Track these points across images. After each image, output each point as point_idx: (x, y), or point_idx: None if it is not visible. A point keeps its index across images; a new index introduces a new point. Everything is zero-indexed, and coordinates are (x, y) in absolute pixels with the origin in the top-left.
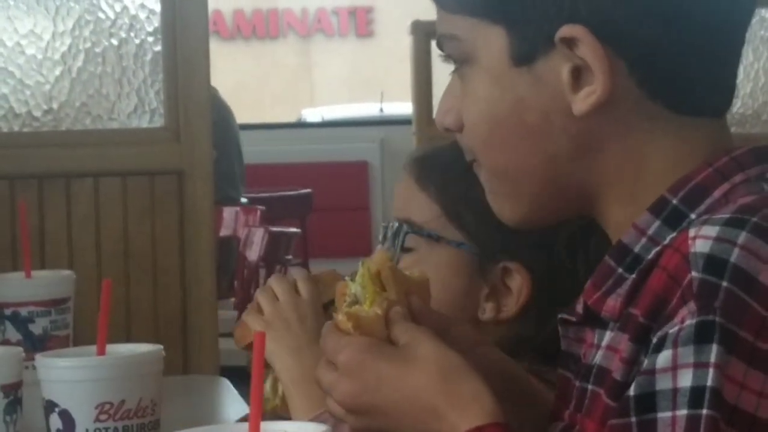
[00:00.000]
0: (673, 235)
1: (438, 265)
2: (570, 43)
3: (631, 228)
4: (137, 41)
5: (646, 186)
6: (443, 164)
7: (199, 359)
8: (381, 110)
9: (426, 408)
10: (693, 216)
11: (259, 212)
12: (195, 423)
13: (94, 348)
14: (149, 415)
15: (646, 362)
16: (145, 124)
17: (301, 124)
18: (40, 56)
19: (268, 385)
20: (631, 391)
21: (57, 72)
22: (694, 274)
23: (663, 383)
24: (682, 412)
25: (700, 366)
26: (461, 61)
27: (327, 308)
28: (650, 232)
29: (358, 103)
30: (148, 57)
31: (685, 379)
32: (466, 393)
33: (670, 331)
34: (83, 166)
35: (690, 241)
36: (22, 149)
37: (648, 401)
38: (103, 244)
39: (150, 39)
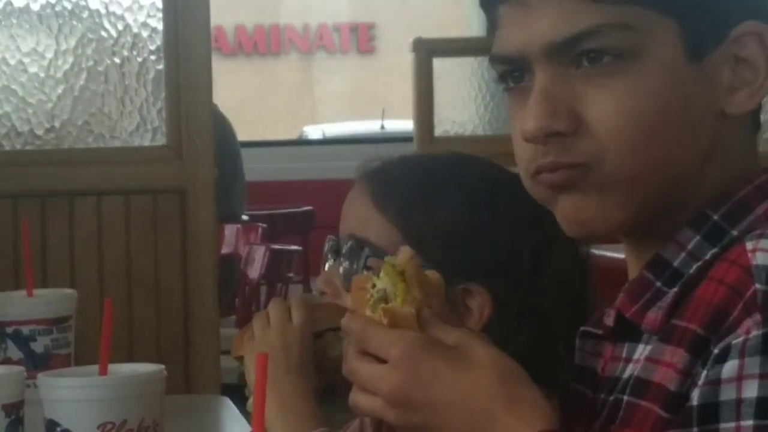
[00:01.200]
0: (715, 250)
1: None
2: (738, 41)
3: (671, 242)
4: (139, 60)
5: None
6: (402, 184)
7: (201, 378)
8: (382, 127)
9: (480, 410)
10: (735, 233)
11: (260, 229)
12: None
13: (96, 368)
14: None
15: (709, 372)
16: (147, 143)
17: (302, 142)
18: (42, 74)
19: (249, 403)
20: (694, 401)
21: (59, 90)
22: (758, 286)
23: (727, 394)
24: (748, 423)
25: (766, 377)
26: (620, 52)
27: (320, 336)
28: (690, 247)
29: (360, 120)
30: (151, 75)
31: (750, 390)
32: (525, 398)
33: (734, 341)
34: (86, 184)
35: (750, 255)
36: (24, 167)
37: (711, 411)
38: (105, 262)
39: (152, 57)
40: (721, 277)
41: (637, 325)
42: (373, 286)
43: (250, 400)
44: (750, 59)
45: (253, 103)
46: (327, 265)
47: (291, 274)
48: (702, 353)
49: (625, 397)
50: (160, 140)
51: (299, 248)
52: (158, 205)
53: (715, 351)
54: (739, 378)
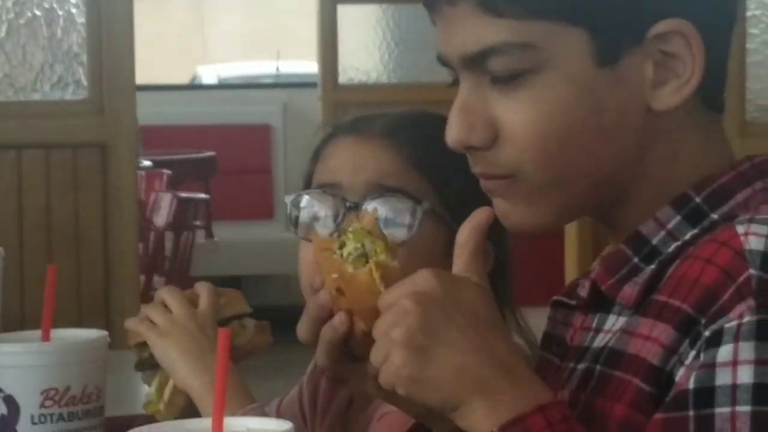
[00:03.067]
0: (695, 231)
1: (425, 239)
2: (661, 38)
3: (651, 220)
4: (61, 13)
5: (675, 181)
6: (434, 144)
7: (121, 332)
8: (277, 69)
9: (502, 364)
10: (715, 216)
11: (165, 176)
12: (118, 400)
13: (38, 333)
14: (94, 401)
15: (703, 356)
16: (68, 97)
17: (202, 86)
18: None
19: (153, 389)
20: (690, 385)
21: None
22: (752, 271)
23: (722, 378)
24: (745, 408)
25: (762, 363)
26: (520, 71)
27: (224, 325)
28: (670, 226)
29: (253, 61)
30: (72, 29)
31: (746, 376)
32: (533, 378)
33: (727, 325)
34: (6, 137)
35: (742, 238)
36: None
37: (707, 395)
38: (25, 217)
39: (74, 11)
40: (709, 257)
41: (612, 298)
42: (341, 246)
43: (149, 390)
44: (676, 55)
45: (142, 43)
46: (339, 222)
47: (197, 222)
48: (690, 332)
49: (598, 367)
50: (82, 94)
51: (206, 196)
52: (79, 160)
53: (706, 333)
54: (735, 363)
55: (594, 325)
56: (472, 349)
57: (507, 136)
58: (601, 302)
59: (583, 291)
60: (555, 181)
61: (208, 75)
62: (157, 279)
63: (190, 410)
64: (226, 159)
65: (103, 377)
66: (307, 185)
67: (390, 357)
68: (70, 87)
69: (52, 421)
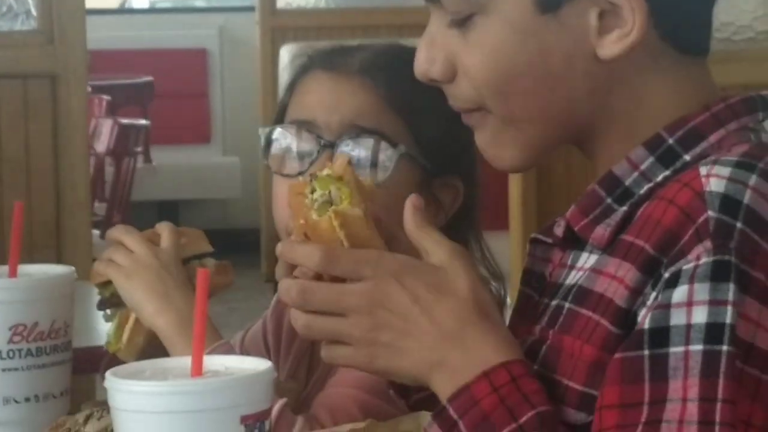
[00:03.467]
0: (667, 173)
1: (399, 180)
2: None
3: (624, 161)
4: None
5: (645, 123)
6: (410, 83)
7: (73, 262)
8: None
9: (452, 335)
10: (687, 157)
11: (105, 102)
12: (77, 331)
13: (4, 269)
14: (62, 336)
15: (660, 297)
16: (17, 27)
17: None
18: None
19: (111, 329)
20: (645, 325)
21: None
22: (710, 213)
23: (677, 318)
24: (697, 348)
25: (716, 303)
26: (468, 11)
27: (186, 263)
28: (643, 167)
29: None
30: None
31: (700, 315)
32: (500, 332)
33: (685, 267)
34: None
35: (703, 179)
36: None
37: (661, 335)
38: None
39: None
40: (672, 197)
41: (584, 238)
42: (312, 191)
43: (110, 329)
44: (616, 3)
45: None
46: (311, 159)
47: (138, 149)
48: (653, 273)
49: (567, 304)
50: (31, 24)
51: (147, 122)
52: (29, 90)
53: (666, 275)
54: (689, 303)
55: (569, 262)
56: (420, 332)
57: (463, 73)
58: (576, 240)
59: (559, 230)
60: (512, 117)
61: None
62: (98, 205)
63: (150, 349)
64: (162, 83)
65: (70, 313)
66: (281, 116)
67: (343, 347)
68: (20, 17)
69: (20, 357)
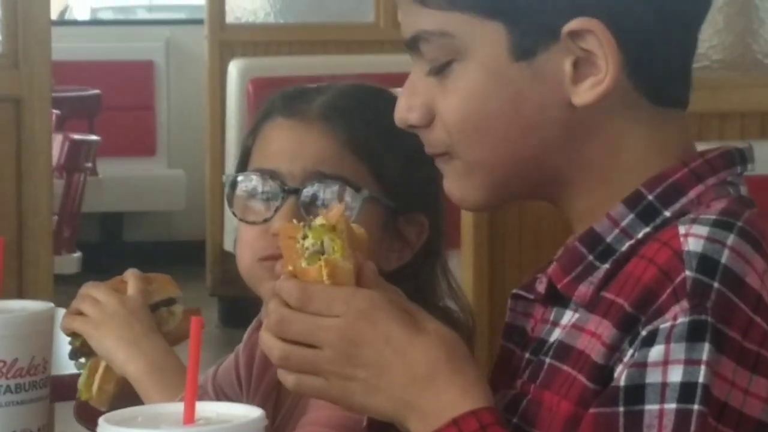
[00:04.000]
0: (647, 230)
1: (364, 222)
2: (576, 35)
3: (605, 218)
4: None
5: (620, 174)
6: (368, 125)
7: (35, 286)
8: (150, 1)
9: (425, 379)
10: (667, 214)
11: (54, 116)
12: None
13: None
14: (41, 372)
15: (636, 354)
16: None
17: (85, 22)
18: None
19: (81, 378)
20: (621, 382)
21: None
22: (688, 273)
23: (653, 377)
24: (671, 406)
25: (691, 363)
26: (446, 59)
27: (155, 309)
28: (623, 224)
29: None
30: None
31: (675, 375)
32: (470, 375)
33: (662, 326)
34: None
35: (682, 239)
36: None
37: (637, 393)
38: None
39: None
40: (651, 256)
41: (567, 296)
42: (304, 237)
43: (82, 378)
44: (591, 51)
45: None
46: (276, 205)
47: (89, 164)
48: (630, 330)
49: (548, 360)
50: None
51: (97, 138)
52: None
53: (643, 333)
54: (665, 363)
55: (552, 318)
56: (392, 371)
57: (439, 119)
58: (558, 297)
59: (541, 286)
60: (480, 162)
61: (80, 8)
62: None
63: (121, 397)
64: (108, 96)
65: (49, 349)
66: (244, 159)
67: (318, 378)
68: None
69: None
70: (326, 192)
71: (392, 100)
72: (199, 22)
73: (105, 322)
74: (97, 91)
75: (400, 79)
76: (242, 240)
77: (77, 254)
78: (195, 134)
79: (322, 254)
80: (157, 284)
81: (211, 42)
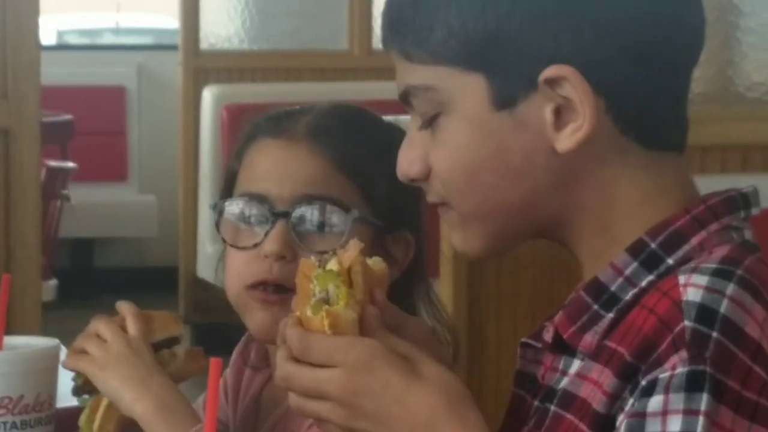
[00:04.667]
0: (651, 278)
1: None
2: (553, 83)
3: (609, 267)
4: None
5: (618, 219)
6: (355, 143)
7: (22, 319)
8: (117, 23)
9: (424, 425)
10: (670, 261)
11: None
12: None
13: None
14: (46, 409)
15: (636, 404)
16: None
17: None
18: None
19: (83, 416)
20: (621, 431)
21: None
22: (686, 323)
23: (652, 426)
24: None
25: (689, 413)
26: (433, 112)
27: (157, 349)
28: (627, 272)
29: (90, 12)
30: None
31: (675, 424)
32: (469, 419)
33: (661, 376)
34: None
35: (681, 289)
36: None
37: None
38: None
39: None
40: (652, 306)
41: (573, 346)
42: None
43: (84, 415)
44: (569, 97)
45: None
46: (266, 229)
47: (66, 191)
48: (631, 380)
49: (552, 408)
50: None
51: (74, 165)
52: None
53: (643, 383)
54: (665, 413)
55: (560, 367)
56: (394, 420)
57: (434, 172)
58: (565, 346)
59: (548, 336)
60: (474, 213)
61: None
62: None
63: None
64: (80, 121)
65: (54, 385)
66: (230, 184)
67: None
68: None
69: (5, 429)
70: (315, 213)
71: (375, 119)
72: (171, 47)
73: (110, 362)
74: (69, 117)
75: (373, 106)
76: (231, 266)
77: (53, 281)
78: (167, 160)
79: (327, 302)
80: (158, 323)
81: (185, 68)
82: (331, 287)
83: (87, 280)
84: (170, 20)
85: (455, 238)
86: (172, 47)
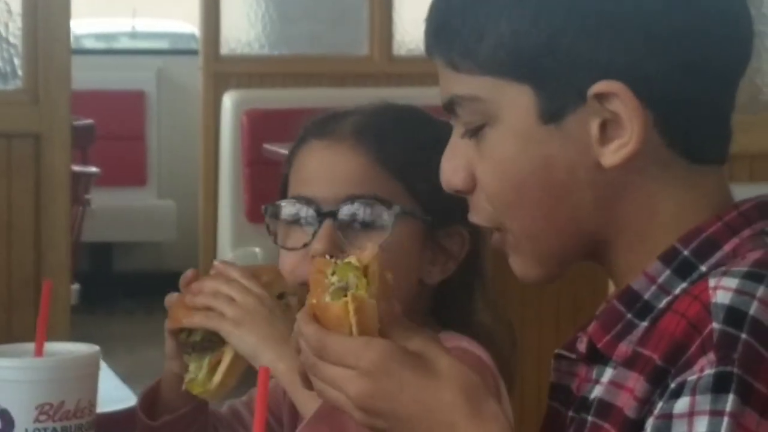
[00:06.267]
0: (684, 285)
1: (402, 237)
2: (602, 98)
3: (642, 275)
4: None
5: (656, 232)
6: (400, 141)
7: (53, 323)
8: (133, 28)
9: (443, 423)
10: (703, 268)
11: None
12: None
13: (30, 347)
14: (87, 415)
15: (663, 406)
16: (3, 86)
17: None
18: None
19: (203, 369)
20: None
21: None
22: (715, 324)
23: (679, 428)
24: None
25: (715, 414)
26: (479, 122)
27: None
28: (660, 280)
29: (107, 18)
30: (8, 17)
31: (701, 426)
32: (487, 413)
33: (689, 378)
34: None
35: (711, 292)
36: None
37: None
38: None
39: (9, 0)
40: (683, 310)
41: (608, 355)
42: (333, 273)
43: (198, 372)
44: (617, 113)
45: None
46: (313, 230)
47: (88, 196)
48: (660, 383)
49: (590, 418)
50: (17, 84)
51: (96, 170)
52: (13, 149)
53: (672, 385)
54: (691, 414)
55: (594, 376)
56: (412, 419)
57: (480, 185)
58: (599, 355)
59: (582, 346)
60: (525, 231)
61: None
62: None
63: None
64: (99, 126)
65: (95, 391)
66: (283, 189)
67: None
68: (6, 77)
69: None
70: (360, 212)
71: (421, 115)
72: (191, 52)
73: (246, 320)
74: (90, 121)
75: None
76: (284, 265)
77: (76, 286)
78: (186, 164)
79: (346, 291)
80: (267, 277)
81: (205, 73)
82: (352, 277)
83: (106, 284)
84: (186, 25)
85: (514, 265)
86: (192, 52)
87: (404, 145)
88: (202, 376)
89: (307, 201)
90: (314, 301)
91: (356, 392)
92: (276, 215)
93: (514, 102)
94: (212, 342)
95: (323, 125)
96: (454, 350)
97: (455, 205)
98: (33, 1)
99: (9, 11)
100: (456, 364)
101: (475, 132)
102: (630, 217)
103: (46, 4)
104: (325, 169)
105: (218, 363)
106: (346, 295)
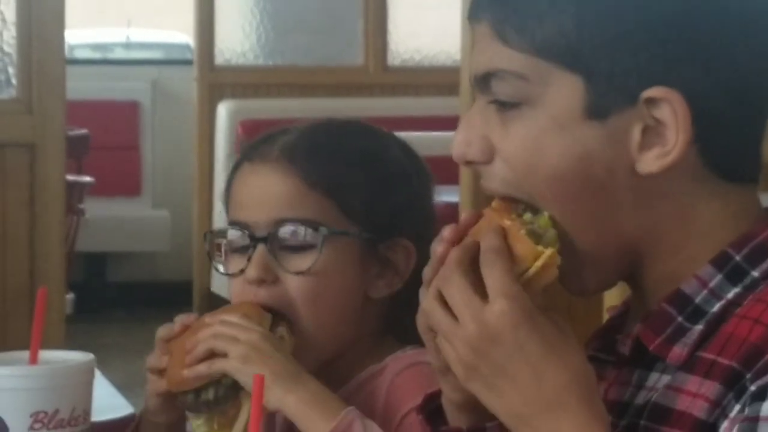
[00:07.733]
0: (737, 290)
1: (336, 256)
2: (652, 103)
3: (692, 279)
4: None
5: (690, 242)
6: (330, 160)
7: (47, 333)
8: (128, 38)
9: (549, 400)
10: (756, 274)
11: None
12: None
13: (24, 355)
14: (81, 423)
15: (747, 409)
16: None
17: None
18: None
19: (208, 427)
20: None
21: None
22: None
23: (765, 430)
24: None
25: None
26: (516, 101)
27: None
28: (712, 285)
29: (101, 28)
30: (2, 26)
31: None
32: (596, 409)
33: None
34: None
35: None
36: None
37: None
38: None
39: (3, 9)
40: (757, 317)
41: (661, 358)
42: (524, 210)
43: (206, 424)
44: (663, 121)
45: None
46: (250, 255)
47: (82, 206)
48: (735, 385)
49: (642, 422)
50: (11, 93)
51: (91, 179)
52: (7, 159)
53: (752, 388)
54: None
55: (634, 381)
56: (518, 379)
57: (501, 158)
58: (642, 359)
59: (624, 348)
60: (565, 222)
61: None
62: None
63: None
64: (94, 136)
65: (89, 400)
66: (227, 212)
67: (450, 347)
68: (1, 86)
69: None
70: (289, 235)
71: (360, 129)
72: (186, 63)
73: (252, 357)
74: (85, 131)
75: (388, 122)
76: (233, 293)
77: (70, 295)
78: (180, 175)
79: (538, 240)
80: (252, 314)
81: (200, 83)
82: (552, 231)
83: (101, 293)
84: (180, 35)
85: (571, 279)
86: (186, 62)
87: (336, 163)
88: (204, 427)
89: (241, 226)
90: (508, 222)
91: (480, 328)
92: (216, 242)
93: (562, 90)
94: (226, 397)
95: (254, 148)
96: (417, 366)
97: (396, 219)
98: (27, 11)
99: (3, 20)
100: (584, 356)
101: (507, 108)
102: (666, 226)
103: (41, 13)
104: (256, 193)
105: (237, 414)
106: (538, 243)
